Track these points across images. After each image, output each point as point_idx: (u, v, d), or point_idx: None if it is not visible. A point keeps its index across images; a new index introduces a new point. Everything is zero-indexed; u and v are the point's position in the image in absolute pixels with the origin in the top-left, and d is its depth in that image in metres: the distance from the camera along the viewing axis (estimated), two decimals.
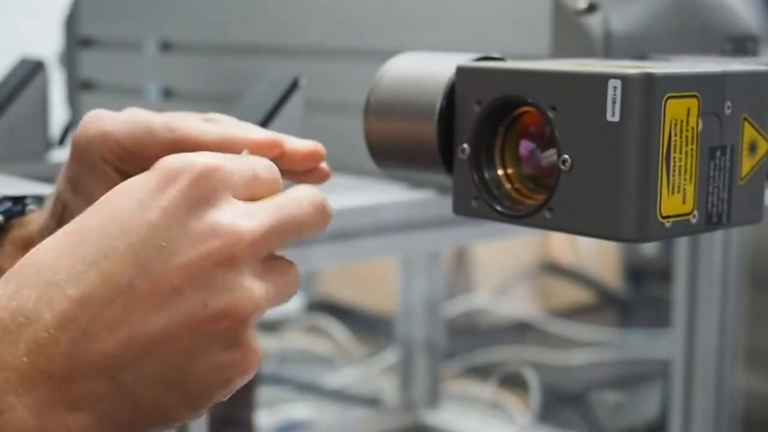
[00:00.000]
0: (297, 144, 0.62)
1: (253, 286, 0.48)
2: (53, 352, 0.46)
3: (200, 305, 0.47)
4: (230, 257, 0.48)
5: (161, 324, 0.47)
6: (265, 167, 0.52)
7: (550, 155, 0.62)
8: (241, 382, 0.49)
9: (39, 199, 0.68)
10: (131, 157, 0.61)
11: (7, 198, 0.67)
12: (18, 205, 0.67)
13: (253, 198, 0.50)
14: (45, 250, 0.48)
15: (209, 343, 0.48)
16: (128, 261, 0.47)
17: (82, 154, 0.62)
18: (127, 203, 0.48)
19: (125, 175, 0.55)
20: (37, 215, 0.66)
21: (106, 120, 0.61)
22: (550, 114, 0.60)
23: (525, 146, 0.64)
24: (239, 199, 0.50)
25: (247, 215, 0.49)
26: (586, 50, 0.83)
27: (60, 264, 0.47)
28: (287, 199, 0.51)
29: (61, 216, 0.62)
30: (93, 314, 0.47)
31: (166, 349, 0.47)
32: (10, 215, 0.66)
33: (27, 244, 0.63)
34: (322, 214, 0.52)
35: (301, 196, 0.52)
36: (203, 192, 0.48)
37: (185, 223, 0.48)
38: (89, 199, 0.55)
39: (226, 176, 0.49)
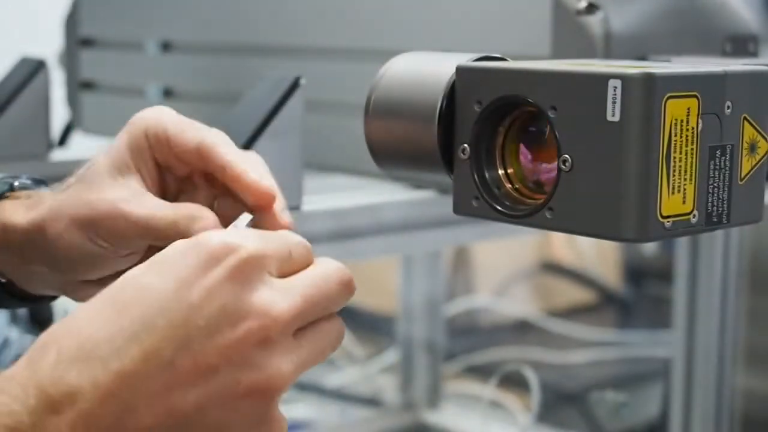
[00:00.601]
0: (255, 180, 0.62)
1: (282, 365, 0.51)
2: (95, 424, 0.49)
3: (234, 382, 0.50)
4: (265, 338, 0.51)
5: (197, 399, 0.50)
6: (299, 246, 0.55)
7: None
8: None
9: (38, 181, 0.70)
10: (166, 145, 0.63)
11: (31, 179, 0.70)
12: (36, 186, 0.70)
13: (286, 274, 0.53)
14: (84, 320, 0.51)
15: (240, 417, 0.51)
16: (169, 338, 0.50)
17: (131, 125, 0.64)
18: (169, 280, 0.51)
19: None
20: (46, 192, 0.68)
21: (169, 111, 0.64)
22: (551, 114, 0.60)
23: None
24: (274, 275, 0.53)
25: (281, 296, 0.52)
26: (586, 50, 0.83)
27: (100, 336, 0.50)
28: (317, 278, 0.54)
29: (83, 176, 0.64)
30: (134, 389, 0.49)
31: (200, 423, 0.50)
32: (24, 186, 0.69)
33: (31, 202, 0.66)
34: (347, 291, 0.55)
35: (329, 274, 0.54)
36: (244, 276, 0.51)
37: (225, 305, 0.51)
38: (118, 161, 0.61)
39: (266, 261, 0.52)
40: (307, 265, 0.55)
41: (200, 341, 0.50)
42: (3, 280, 0.68)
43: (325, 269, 0.55)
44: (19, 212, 0.66)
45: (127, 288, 0.51)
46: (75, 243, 0.63)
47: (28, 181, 0.69)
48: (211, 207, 0.64)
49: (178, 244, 0.52)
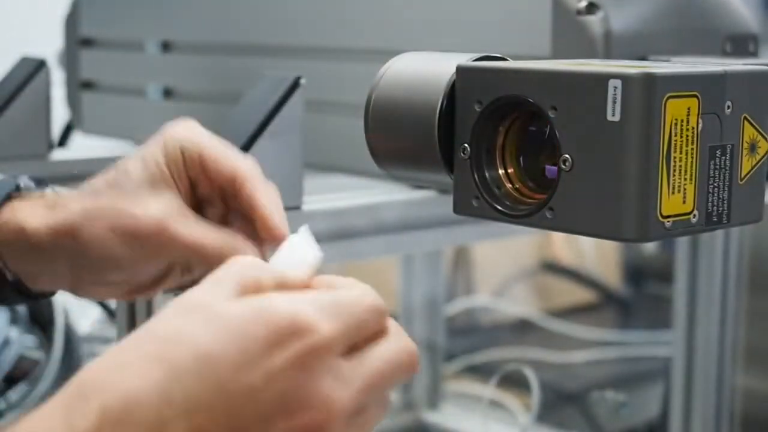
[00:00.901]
0: (276, 226, 0.63)
1: None
2: None
3: None
4: (318, 429, 0.48)
5: None
6: (370, 313, 0.51)
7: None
8: None
9: (39, 182, 0.70)
10: (198, 165, 0.64)
11: (31, 178, 0.70)
12: (40, 187, 0.70)
13: (355, 347, 0.50)
14: (130, 375, 0.47)
15: None
16: (221, 423, 0.46)
17: (167, 138, 0.65)
18: (231, 352, 0.47)
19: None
20: (55, 194, 0.68)
21: (203, 130, 0.66)
22: (551, 114, 0.60)
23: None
24: (341, 354, 0.49)
25: (344, 387, 0.49)
26: (587, 50, 0.83)
27: (148, 403, 0.46)
28: (385, 364, 0.51)
29: (117, 183, 0.64)
30: None
31: None
32: (29, 187, 0.69)
33: (50, 203, 0.65)
34: (410, 372, 0.52)
35: (400, 360, 0.51)
36: (310, 364, 0.48)
37: (285, 392, 0.47)
38: (158, 174, 0.62)
39: (335, 345, 0.49)
40: (380, 332, 0.51)
41: (252, 428, 0.47)
42: (10, 279, 0.67)
43: (399, 352, 0.51)
44: (38, 214, 0.65)
45: (181, 347, 0.47)
46: (112, 250, 0.63)
47: (31, 182, 0.70)
48: (225, 220, 0.66)
49: (241, 308, 0.48)
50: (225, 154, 0.64)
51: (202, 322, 0.48)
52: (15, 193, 0.68)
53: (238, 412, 0.47)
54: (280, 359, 0.47)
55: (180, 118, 0.66)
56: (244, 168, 0.64)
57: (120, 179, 0.64)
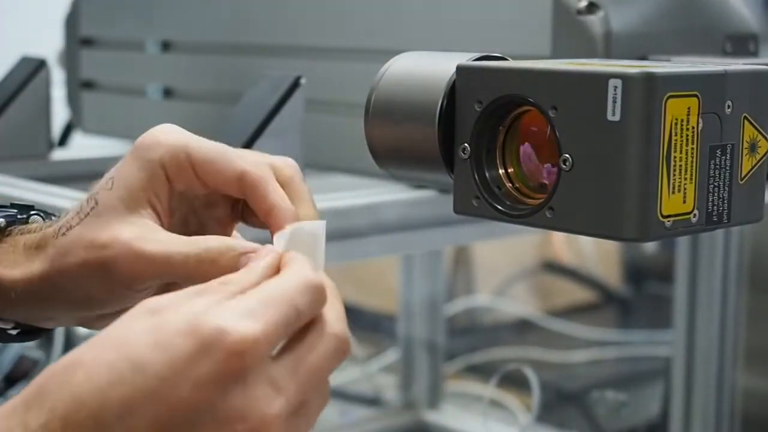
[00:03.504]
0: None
1: None
2: None
3: None
4: None
5: None
6: (306, 299, 0.51)
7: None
8: None
9: (47, 214, 0.67)
10: (190, 173, 0.60)
11: (14, 205, 0.66)
12: (23, 213, 0.66)
13: (289, 342, 0.50)
14: (82, 377, 0.48)
15: None
16: (153, 428, 0.47)
17: (142, 151, 0.60)
18: (160, 362, 0.48)
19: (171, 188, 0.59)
20: (40, 225, 0.64)
21: (185, 133, 0.61)
22: (551, 113, 0.60)
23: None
24: (272, 354, 0.50)
25: (276, 389, 0.49)
26: (587, 50, 0.83)
27: (88, 403, 0.47)
28: (319, 359, 0.51)
29: (87, 214, 0.61)
30: None
31: None
32: (12, 221, 0.65)
33: (29, 246, 0.62)
34: (344, 357, 0.52)
35: (334, 349, 0.51)
36: (238, 372, 0.48)
37: (214, 403, 0.48)
38: (127, 197, 0.58)
39: (263, 350, 0.49)
40: (314, 320, 0.51)
41: None
42: (14, 331, 0.65)
43: (328, 341, 0.51)
44: (18, 263, 0.62)
45: (122, 351, 0.48)
46: (89, 286, 0.60)
47: (13, 211, 0.65)
48: (229, 218, 0.63)
49: (175, 317, 0.49)
50: (222, 156, 0.60)
51: (145, 329, 0.49)
52: None
53: (170, 423, 0.47)
54: (206, 370, 0.48)
55: (158, 126, 0.61)
56: (253, 171, 0.60)
57: (92, 209, 0.60)
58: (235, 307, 0.49)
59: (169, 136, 0.60)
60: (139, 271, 0.59)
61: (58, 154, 1.19)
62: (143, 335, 0.48)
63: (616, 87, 0.57)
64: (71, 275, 0.60)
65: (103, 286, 0.60)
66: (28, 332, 0.65)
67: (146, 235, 0.59)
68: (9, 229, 0.64)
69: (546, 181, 0.63)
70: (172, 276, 0.59)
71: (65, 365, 0.49)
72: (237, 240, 0.60)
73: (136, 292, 0.60)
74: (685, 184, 0.59)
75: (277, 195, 0.59)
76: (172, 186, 0.60)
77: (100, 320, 0.63)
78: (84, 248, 0.60)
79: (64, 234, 0.61)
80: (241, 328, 0.48)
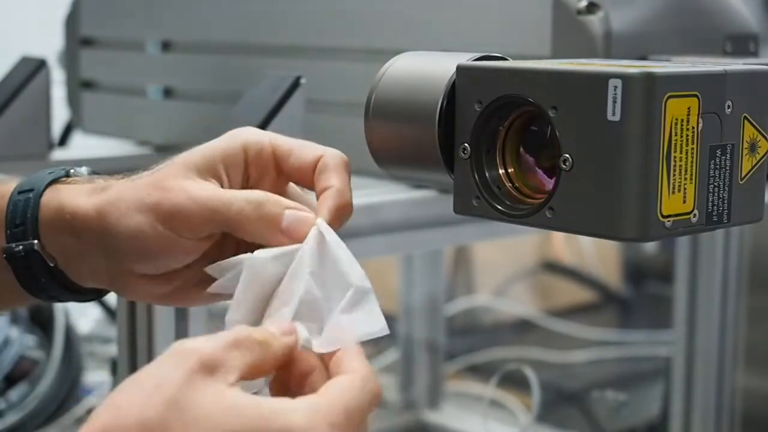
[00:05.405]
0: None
1: None
2: None
3: None
4: None
5: None
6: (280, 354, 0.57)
7: None
8: None
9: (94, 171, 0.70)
10: (269, 159, 0.64)
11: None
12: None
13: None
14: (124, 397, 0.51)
15: None
16: None
17: (229, 134, 0.65)
18: (151, 384, 0.51)
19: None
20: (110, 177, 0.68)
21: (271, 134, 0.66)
22: (551, 113, 0.60)
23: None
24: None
25: None
26: (587, 50, 0.83)
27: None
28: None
29: (159, 170, 0.64)
30: None
31: None
32: (94, 172, 0.70)
33: (97, 189, 0.65)
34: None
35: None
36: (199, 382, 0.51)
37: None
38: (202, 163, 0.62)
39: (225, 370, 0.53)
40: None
41: None
42: (52, 264, 0.66)
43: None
44: (79, 195, 0.65)
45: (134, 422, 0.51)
46: (135, 228, 0.62)
47: (85, 171, 0.69)
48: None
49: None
50: (302, 143, 0.65)
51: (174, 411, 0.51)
52: (64, 178, 0.68)
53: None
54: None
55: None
56: (329, 154, 0.64)
57: (164, 165, 0.64)
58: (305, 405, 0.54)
59: (257, 130, 0.66)
60: (185, 213, 0.61)
61: (58, 154, 1.19)
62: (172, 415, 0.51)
63: (616, 87, 0.57)
64: (120, 216, 0.63)
65: (149, 231, 0.62)
66: (62, 283, 0.68)
67: (205, 186, 0.62)
68: (78, 177, 0.68)
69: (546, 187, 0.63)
70: (217, 222, 0.61)
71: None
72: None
73: (186, 240, 0.62)
74: (685, 184, 0.59)
75: (340, 179, 0.63)
76: (248, 171, 0.64)
77: (132, 282, 0.65)
78: (137, 192, 0.63)
79: (132, 180, 0.64)
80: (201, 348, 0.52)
